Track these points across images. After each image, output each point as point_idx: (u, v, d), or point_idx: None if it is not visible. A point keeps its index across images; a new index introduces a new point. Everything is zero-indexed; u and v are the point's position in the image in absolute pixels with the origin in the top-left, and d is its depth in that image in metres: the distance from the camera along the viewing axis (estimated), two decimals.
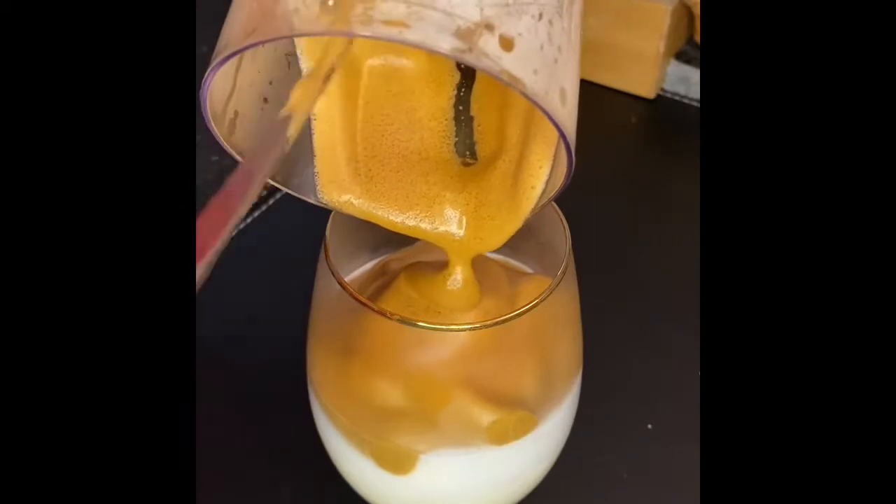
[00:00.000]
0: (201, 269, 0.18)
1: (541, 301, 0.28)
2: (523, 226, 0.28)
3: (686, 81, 0.57)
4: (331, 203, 0.29)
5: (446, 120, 0.29)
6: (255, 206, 0.48)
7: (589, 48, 0.56)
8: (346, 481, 0.34)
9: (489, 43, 0.20)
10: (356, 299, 0.28)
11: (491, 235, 0.29)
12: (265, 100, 0.27)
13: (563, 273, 0.29)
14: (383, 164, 0.29)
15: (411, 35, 0.20)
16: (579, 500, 0.36)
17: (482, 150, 0.29)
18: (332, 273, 0.29)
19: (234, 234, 0.46)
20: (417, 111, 0.28)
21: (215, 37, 0.23)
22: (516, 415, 0.30)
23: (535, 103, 0.21)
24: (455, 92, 0.28)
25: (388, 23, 0.20)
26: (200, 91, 0.23)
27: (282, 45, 0.27)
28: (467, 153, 0.29)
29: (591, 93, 0.58)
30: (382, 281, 0.33)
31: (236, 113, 0.25)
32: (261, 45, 0.25)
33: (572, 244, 0.30)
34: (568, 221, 0.30)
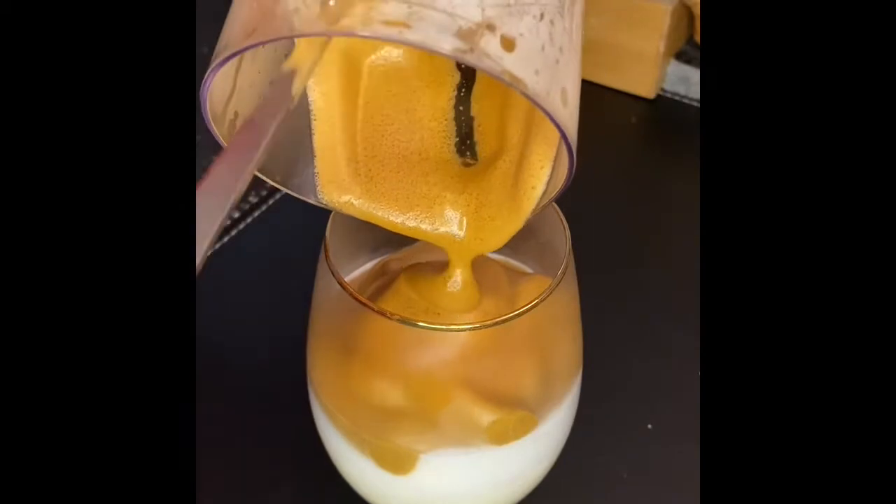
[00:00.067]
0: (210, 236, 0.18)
1: (541, 301, 0.28)
2: (523, 226, 0.28)
3: (686, 81, 0.57)
4: (331, 203, 0.29)
5: (446, 120, 0.29)
6: (255, 206, 0.48)
7: (589, 48, 0.56)
8: (346, 481, 0.34)
9: (490, 43, 0.20)
10: (356, 299, 0.28)
11: (492, 236, 0.29)
12: None
13: (563, 273, 0.29)
14: (383, 165, 0.29)
15: (412, 35, 0.20)
16: (579, 500, 0.36)
17: (483, 150, 0.29)
18: (332, 273, 0.29)
19: (233, 232, 0.47)
20: (417, 111, 0.28)
21: (215, 37, 0.23)
22: (516, 415, 0.30)
23: (537, 104, 0.21)
24: (455, 92, 0.28)
25: (388, 23, 0.20)
26: (200, 92, 0.23)
27: (282, 45, 0.27)
28: (468, 154, 0.29)
29: (591, 93, 0.58)
30: (382, 281, 0.33)
31: (236, 114, 0.25)
32: (261, 46, 0.25)
33: (572, 244, 0.30)
34: (568, 221, 0.30)
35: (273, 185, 0.28)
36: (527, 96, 0.21)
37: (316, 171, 0.28)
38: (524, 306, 0.27)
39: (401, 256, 0.34)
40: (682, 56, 0.57)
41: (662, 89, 0.58)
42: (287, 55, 0.27)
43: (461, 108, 0.29)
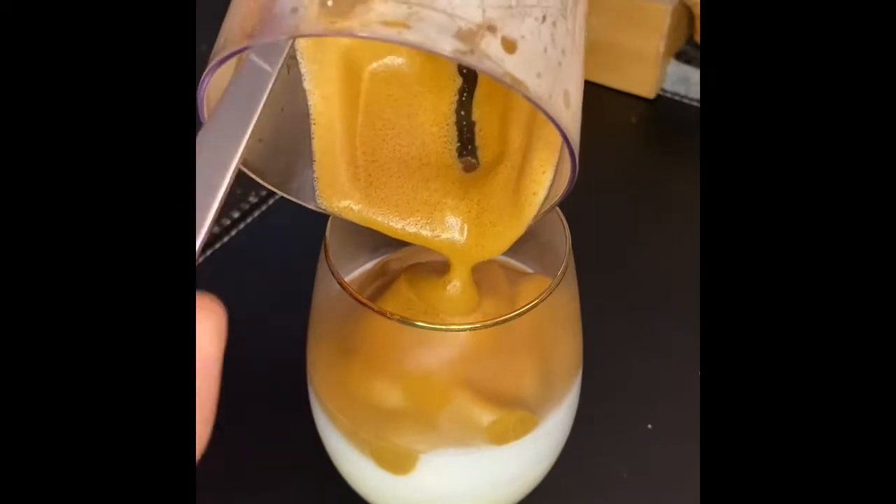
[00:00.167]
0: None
1: (541, 301, 0.28)
2: (525, 229, 0.28)
3: (686, 81, 0.57)
4: (329, 208, 0.28)
5: (448, 125, 0.28)
6: (255, 206, 0.48)
7: (589, 48, 0.56)
8: (346, 481, 0.34)
9: (491, 45, 0.20)
10: (356, 299, 0.28)
11: (493, 242, 0.28)
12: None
13: (563, 273, 0.29)
14: (383, 170, 0.28)
15: (411, 36, 0.19)
16: (579, 500, 0.36)
17: (484, 155, 0.29)
18: (332, 273, 0.28)
19: (233, 232, 0.47)
20: (419, 116, 0.28)
21: (215, 36, 0.23)
22: (516, 415, 0.30)
23: (539, 107, 0.21)
24: (457, 97, 0.28)
25: (387, 23, 0.19)
26: (198, 91, 0.23)
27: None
28: (469, 159, 0.29)
29: (591, 93, 0.57)
30: (382, 281, 0.33)
31: None
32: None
33: (572, 244, 0.29)
34: (568, 221, 0.30)
35: (271, 189, 0.28)
36: (528, 99, 0.21)
37: (315, 175, 0.28)
38: (524, 306, 0.27)
39: (401, 256, 0.34)
40: (682, 56, 0.57)
41: (662, 89, 0.58)
42: (286, 59, 0.27)
43: (463, 112, 0.28)
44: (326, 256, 0.29)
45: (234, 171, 0.21)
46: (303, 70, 0.27)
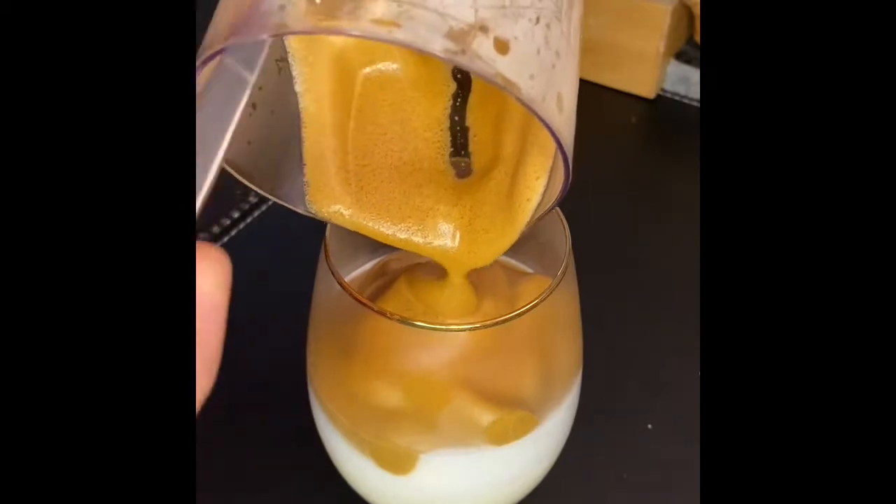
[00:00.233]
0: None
1: (541, 301, 0.28)
2: (518, 236, 0.28)
3: (686, 81, 0.57)
4: (319, 213, 0.28)
5: (441, 130, 0.28)
6: (255, 206, 0.48)
7: (589, 48, 0.56)
8: (346, 481, 0.34)
9: (483, 45, 0.20)
10: (356, 299, 0.28)
11: (485, 250, 0.28)
12: (254, 105, 0.26)
13: (563, 273, 0.29)
14: (375, 175, 0.28)
15: (401, 35, 0.19)
16: (579, 500, 0.36)
17: (477, 161, 0.29)
18: (332, 273, 0.28)
19: (233, 232, 0.47)
20: (412, 121, 0.28)
21: None
22: (516, 415, 0.30)
23: (531, 109, 0.21)
24: (451, 101, 0.28)
25: (377, 21, 0.19)
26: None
27: (272, 49, 0.26)
28: (462, 165, 0.29)
29: (591, 93, 0.58)
30: (383, 281, 0.33)
31: None
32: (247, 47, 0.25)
33: (572, 244, 0.29)
34: (568, 221, 0.30)
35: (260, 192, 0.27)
36: (521, 101, 0.20)
37: (305, 179, 0.28)
38: (524, 306, 0.27)
39: (400, 257, 0.34)
40: (682, 56, 0.57)
41: (662, 89, 0.58)
42: (278, 61, 0.26)
43: (456, 118, 0.28)
44: (326, 256, 0.29)
45: (213, 179, 0.21)
46: (294, 72, 0.27)
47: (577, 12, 0.23)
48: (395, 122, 0.28)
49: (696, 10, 0.56)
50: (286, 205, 0.28)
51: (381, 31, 0.19)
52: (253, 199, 0.48)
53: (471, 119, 0.28)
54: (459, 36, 0.19)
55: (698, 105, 0.56)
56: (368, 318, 0.28)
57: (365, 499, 0.34)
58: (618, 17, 0.55)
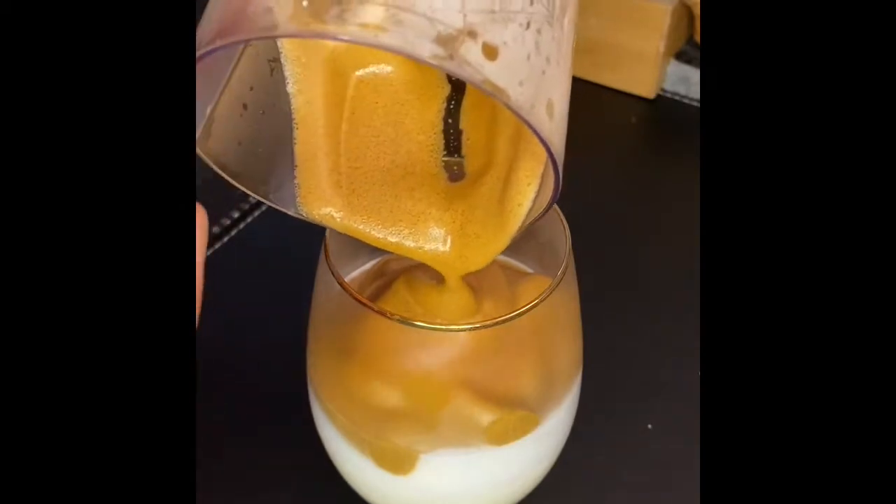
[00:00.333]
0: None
1: (541, 301, 0.28)
2: (510, 241, 0.28)
3: (686, 81, 0.57)
4: (311, 216, 0.28)
5: (434, 133, 0.28)
6: (255, 206, 0.48)
7: (589, 48, 0.56)
8: (346, 481, 0.34)
9: (471, 50, 0.19)
10: (356, 299, 0.28)
11: (476, 254, 0.28)
12: (245, 106, 0.26)
13: (563, 273, 0.29)
14: (367, 178, 0.28)
15: (388, 39, 0.19)
16: (579, 500, 0.36)
17: (470, 164, 0.28)
18: (332, 273, 0.28)
19: (233, 232, 0.47)
20: (405, 124, 0.28)
21: None
22: (516, 415, 0.30)
23: (520, 116, 0.20)
24: (444, 104, 0.28)
25: (364, 26, 0.19)
26: None
27: (264, 50, 0.26)
28: (455, 168, 0.28)
29: (591, 93, 0.58)
30: (383, 281, 0.33)
31: (213, 118, 0.25)
32: (239, 49, 0.25)
33: (572, 244, 0.29)
34: (568, 221, 0.30)
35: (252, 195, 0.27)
36: (509, 107, 0.20)
37: (296, 181, 0.27)
38: (524, 306, 0.27)
39: (400, 257, 0.34)
40: (682, 56, 0.57)
41: (662, 89, 0.58)
42: (270, 61, 0.26)
43: (450, 120, 0.28)
44: (326, 256, 0.29)
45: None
46: (287, 72, 0.26)
47: (569, 17, 0.22)
48: (388, 124, 0.28)
49: (696, 10, 0.56)
50: (276, 207, 0.28)
51: (369, 36, 0.19)
52: (253, 200, 0.48)
53: (464, 122, 0.28)
54: (447, 41, 0.19)
55: (698, 105, 0.56)
56: (368, 318, 0.28)
57: (365, 499, 0.34)
58: (618, 17, 0.55)
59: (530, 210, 0.27)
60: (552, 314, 0.29)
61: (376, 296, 0.32)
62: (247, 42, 0.23)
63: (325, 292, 0.30)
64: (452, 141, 0.28)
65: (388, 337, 0.29)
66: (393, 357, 0.29)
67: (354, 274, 0.34)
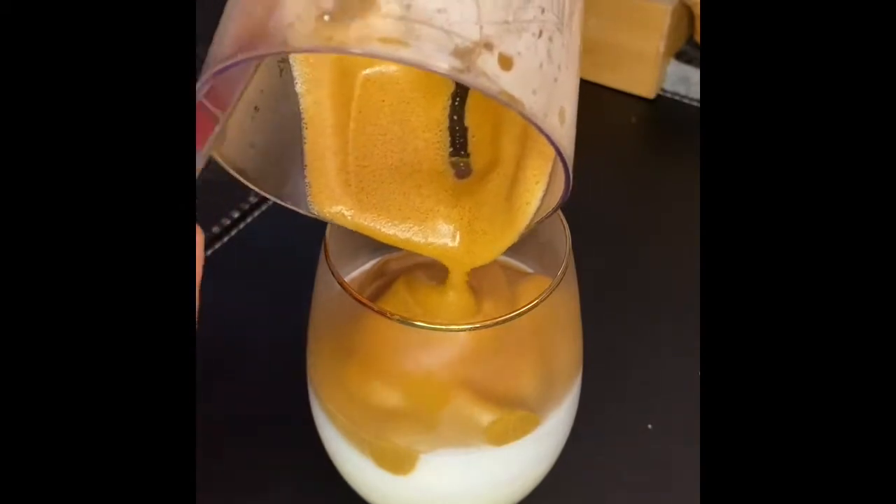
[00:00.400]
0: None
1: (541, 301, 0.28)
2: (518, 237, 0.28)
3: (686, 81, 0.57)
4: (321, 214, 0.28)
5: (440, 131, 0.28)
6: (255, 206, 0.48)
7: (589, 48, 0.56)
8: (346, 481, 0.34)
9: (488, 62, 0.20)
10: (356, 299, 0.28)
11: (483, 250, 0.28)
12: (256, 108, 0.26)
13: (563, 273, 0.29)
14: (375, 176, 0.28)
15: (408, 54, 0.19)
16: (579, 500, 0.36)
17: (476, 161, 0.29)
18: (332, 273, 0.28)
19: (233, 232, 0.47)
20: (411, 122, 0.28)
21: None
22: (516, 415, 0.30)
23: (534, 124, 0.21)
24: (450, 102, 0.28)
25: (384, 40, 0.19)
26: (196, 97, 0.22)
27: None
28: (461, 165, 0.29)
29: (591, 93, 0.58)
30: (383, 281, 0.33)
31: (227, 123, 0.25)
32: (255, 62, 0.25)
33: (572, 244, 0.29)
34: (568, 221, 0.30)
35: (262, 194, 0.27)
36: (524, 116, 0.21)
37: (306, 180, 0.28)
38: (524, 306, 0.27)
39: (400, 256, 0.34)
40: (682, 56, 0.57)
41: (662, 89, 0.58)
42: (280, 63, 0.27)
43: (455, 117, 0.28)
44: (326, 256, 0.29)
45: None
46: (295, 73, 0.27)
47: (576, 22, 0.23)
48: (394, 122, 0.28)
49: (696, 10, 0.56)
50: (289, 206, 0.28)
51: (389, 50, 0.19)
52: (253, 199, 0.48)
53: (469, 120, 0.28)
54: (465, 53, 0.20)
55: (698, 105, 0.56)
56: (368, 318, 0.28)
57: (365, 499, 0.34)
58: (618, 17, 0.55)
59: (538, 209, 0.27)
60: (552, 314, 0.29)
61: (376, 296, 0.32)
62: (269, 56, 0.23)
63: (325, 292, 0.30)
64: (458, 138, 0.28)
65: (388, 337, 0.29)
66: (393, 357, 0.29)
67: (354, 274, 0.34)
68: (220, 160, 0.25)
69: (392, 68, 0.27)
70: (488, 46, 0.20)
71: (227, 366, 0.40)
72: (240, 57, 0.20)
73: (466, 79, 0.20)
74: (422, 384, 0.29)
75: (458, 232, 0.28)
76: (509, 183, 0.27)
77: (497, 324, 0.27)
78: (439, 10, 0.19)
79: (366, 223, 0.28)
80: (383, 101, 0.28)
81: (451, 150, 0.28)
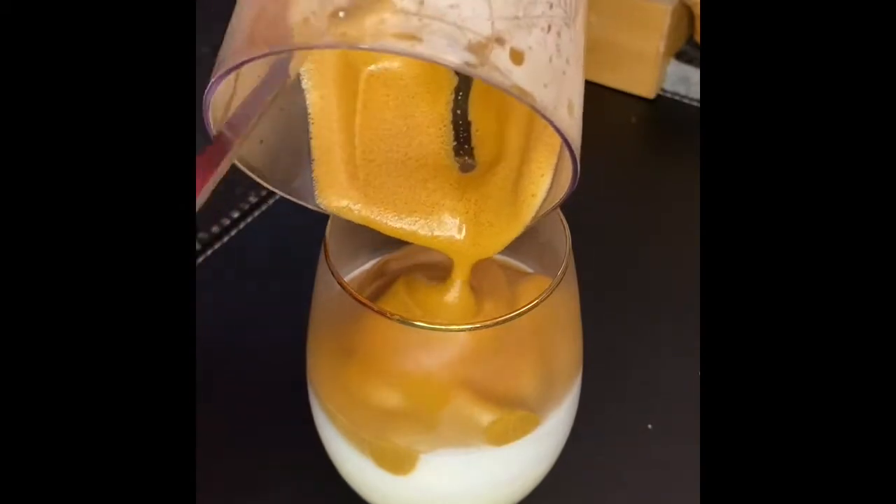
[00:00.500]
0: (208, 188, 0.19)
1: (541, 301, 0.28)
2: (524, 229, 0.28)
3: (686, 81, 0.57)
4: (329, 208, 0.29)
5: (445, 126, 0.29)
6: (255, 206, 0.48)
7: (589, 48, 0.56)
8: (346, 481, 0.34)
9: (500, 57, 0.20)
10: (356, 299, 0.28)
11: (489, 242, 0.29)
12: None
13: (563, 273, 0.29)
14: (381, 170, 0.28)
15: (423, 49, 0.20)
16: (579, 500, 0.36)
17: (481, 154, 0.29)
18: (332, 273, 0.29)
19: (233, 232, 0.47)
20: (416, 117, 0.28)
21: (216, 37, 0.23)
22: (516, 415, 0.30)
23: (545, 117, 0.21)
24: (453, 96, 0.28)
25: (399, 36, 0.19)
26: (204, 98, 0.23)
27: None
28: (466, 158, 0.29)
29: (591, 93, 0.57)
30: (382, 281, 0.33)
31: None
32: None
33: (572, 244, 0.29)
34: (568, 221, 0.30)
35: (270, 188, 0.28)
36: (535, 109, 0.21)
37: (314, 175, 0.28)
38: (524, 306, 0.27)
39: (400, 256, 0.34)
40: (682, 56, 0.57)
41: (662, 89, 0.58)
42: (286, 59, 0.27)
43: (459, 111, 0.29)
44: (326, 256, 0.29)
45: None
46: (301, 69, 0.27)
47: (581, 16, 0.23)
48: (399, 117, 0.28)
49: (696, 10, 0.55)
50: (297, 200, 0.28)
51: (404, 46, 0.20)
52: (253, 199, 0.48)
53: (473, 113, 0.29)
54: (478, 48, 0.20)
55: (698, 105, 0.56)
56: (368, 318, 0.28)
57: (365, 499, 0.34)
58: (618, 16, 0.55)
59: (544, 200, 0.27)
60: (552, 314, 0.29)
61: (376, 296, 0.32)
62: (282, 53, 0.23)
63: (325, 292, 0.30)
64: (462, 132, 0.29)
65: (387, 337, 0.29)
66: (393, 357, 0.29)
67: (354, 274, 0.34)
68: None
69: (396, 64, 0.28)
70: (500, 41, 0.20)
71: (227, 366, 0.40)
72: (256, 53, 0.21)
73: (480, 73, 0.20)
74: (422, 384, 0.29)
75: (463, 224, 0.29)
76: (515, 176, 0.28)
77: (497, 324, 0.27)
78: (452, 6, 0.20)
79: (372, 217, 0.29)
80: (388, 96, 0.28)
81: (455, 144, 0.29)
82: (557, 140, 0.25)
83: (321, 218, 0.30)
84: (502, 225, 0.28)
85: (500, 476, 0.31)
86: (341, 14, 0.20)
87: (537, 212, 0.27)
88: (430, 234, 0.29)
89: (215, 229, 0.47)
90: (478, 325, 0.28)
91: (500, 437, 0.30)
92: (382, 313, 0.27)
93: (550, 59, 0.21)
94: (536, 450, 0.31)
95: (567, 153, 0.23)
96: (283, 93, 0.23)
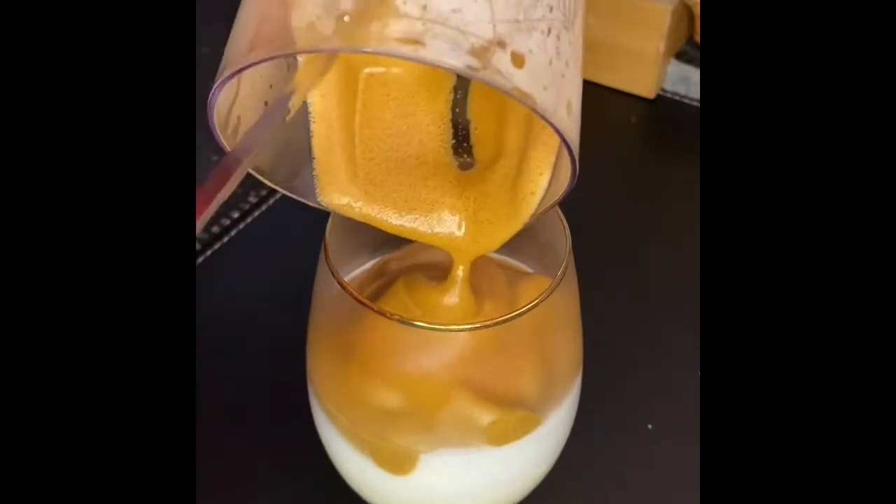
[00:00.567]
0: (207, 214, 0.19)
1: (541, 301, 0.28)
2: (523, 226, 0.28)
3: (686, 81, 0.57)
4: (330, 206, 0.29)
5: (444, 124, 0.29)
6: (255, 206, 0.48)
7: (589, 48, 0.56)
8: (346, 481, 0.34)
9: (502, 60, 0.20)
10: (356, 299, 0.28)
11: (488, 239, 0.29)
12: (266, 103, 0.27)
13: (563, 273, 0.29)
14: (381, 168, 0.29)
15: (426, 53, 0.20)
16: (579, 501, 0.36)
17: (479, 153, 0.29)
18: (332, 273, 0.29)
19: (233, 232, 0.47)
20: (415, 115, 0.29)
21: (217, 38, 0.23)
22: (516, 415, 0.30)
23: (545, 119, 0.21)
24: (452, 95, 0.28)
25: (403, 40, 0.20)
26: (208, 102, 0.23)
27: None
28: (465, 156, 0.29)
29: (591, 93, 0.57)
30: (383, 281, 0.33)
31: (239, 119, 0.26)
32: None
33: (572, 244, 0.30)
34: (568, 221, 0.30)
35: (273, 186, 0.28)
36: (535, 111, 0.21)
37: (315, 173, 0.28)
38: (524, 306, 0.27)
39: (400, 256, 0.34)
40: (682, 56, 0.57)
41: (662, 89, 0.58)
42: (289, 62, 0.27)
43: (457, 110, 0.29)
44: (326, 256, 0.29)
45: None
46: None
47: (580, 19, 0.24)
48: (398, 116, 0.28)
49: (696, 10, 0.55)
50: (298, 198, 0.28)
51: (408, 50, 0.20)
52: (253, 199, 0.48)
53: (472, 112, 0.29)
54: (480, 52, 0.20)
55: (698, 105, 0.56)
56: (368, 318, 0.28)
57: (365, 499, 0.34)
58: (618, 17, 0.55)
59: (543, 198, 0.27)
60: (552, 314, 0.29)
61: (376, 296, 0.32)
62: (288, 57, 0.23)
63: (325, 292, 0.30)
64: (460, 130, 0.29)
65: (387, 337, 0.29)
66: (393, 357, 0.29)
67: (354, 274, 0.34)
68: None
69: (396, 65, 0.28)
70: (501, 45, 0.21)
71: (227, 366, 0.40)
72: (261, 56, 0.21)
73: (482, 77, 0.20)
74: (422, 384, 0.29)
75: (463, 222, 0.29)
76: (513, 174, 0.28)
77: (497, 324, 0.27)
78: (454, 11, 0.20)
79: (373, 214, 0.29)
80: (387, 95, 0.28)
81: (454, 142, 0.29)
82: (556, 139, 0.25)
83: (321, 218, 0.30)
84: (501, 222, 0.28)
85: (500, 476, 0.31)
86: (346, 18, 0.20)
87: (536, 209, 0.28)
88: (429, 231, 0.29)
89: (215, 229, 0.47)
90: (478, 325, 0.28)
91: (500, 437, 0.30)
92: (382, 313, 0.27)
93: (550, 62, 0.22)
94: (536, 450, 0.31)
95: (566, 152, 0.23)
96: (283, 126, 0.23)
